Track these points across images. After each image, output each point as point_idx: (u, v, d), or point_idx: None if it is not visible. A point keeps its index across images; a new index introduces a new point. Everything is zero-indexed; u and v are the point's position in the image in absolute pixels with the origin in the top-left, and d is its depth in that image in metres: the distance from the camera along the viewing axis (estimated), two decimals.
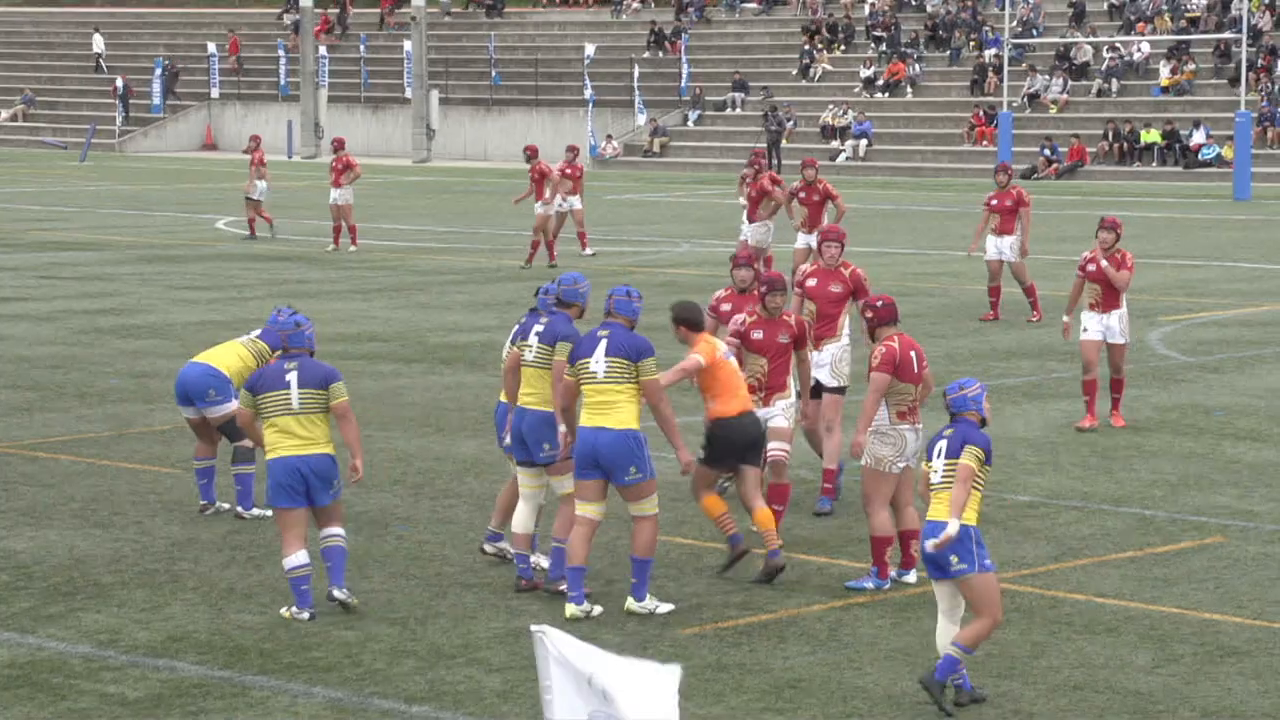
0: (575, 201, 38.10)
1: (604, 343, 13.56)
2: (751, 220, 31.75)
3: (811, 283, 17.10)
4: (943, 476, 11.74)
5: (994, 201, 29.24)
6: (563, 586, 13.79)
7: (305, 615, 13.46)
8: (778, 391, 15.31)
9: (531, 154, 38.44)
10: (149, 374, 24.23)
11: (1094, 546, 15.53)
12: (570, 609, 13.40)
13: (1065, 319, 21.03)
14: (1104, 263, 20.36)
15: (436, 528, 16.15)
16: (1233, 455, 19.11)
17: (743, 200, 33.75)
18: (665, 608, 13.52)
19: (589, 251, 38.42)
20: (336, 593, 13.63)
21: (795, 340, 15.35)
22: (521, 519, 14.23)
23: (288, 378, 13.61)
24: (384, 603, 13.93)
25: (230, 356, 16.49)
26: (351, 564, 14.96)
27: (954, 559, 11.53)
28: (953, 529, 11.52)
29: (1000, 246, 29.02)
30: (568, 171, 38.11)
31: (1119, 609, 13.73)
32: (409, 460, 18.91)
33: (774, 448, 15.20)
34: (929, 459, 11.92)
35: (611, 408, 13.42)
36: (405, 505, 16.99)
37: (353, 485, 14.40)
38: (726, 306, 16.29)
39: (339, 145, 41.39)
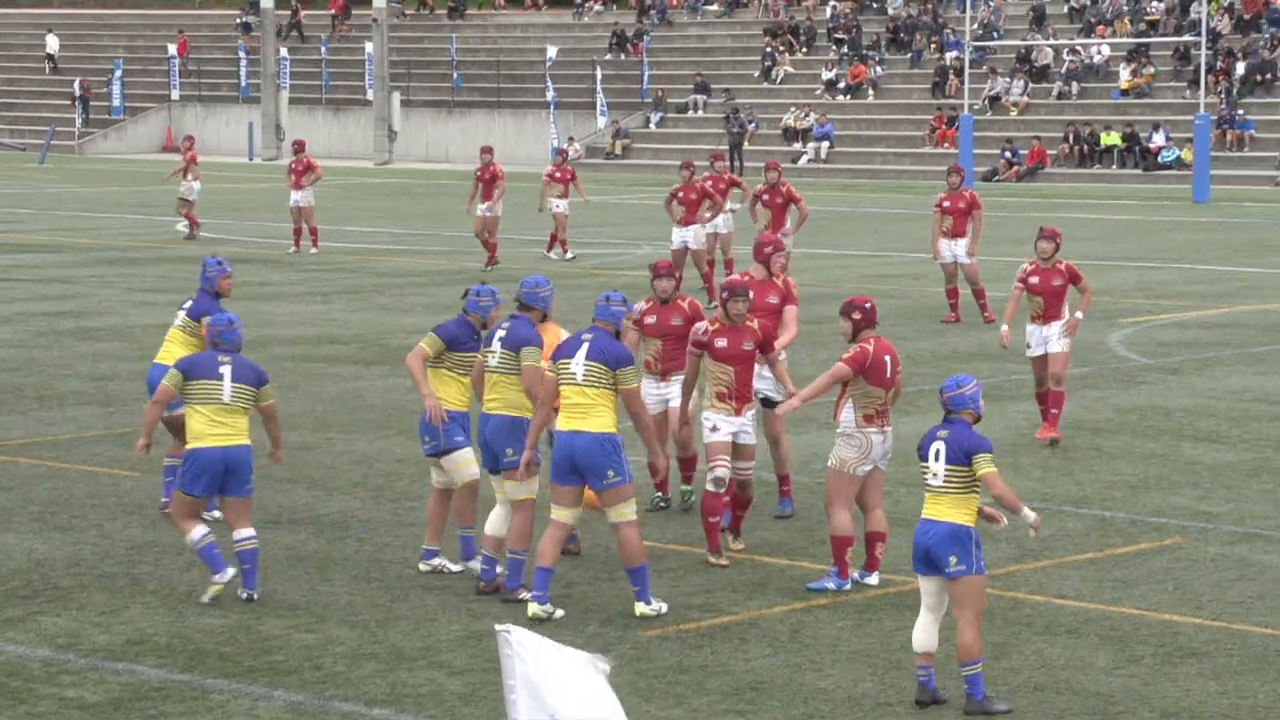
0: (563, 205, 37.78)
1: (586, 346, 13.57)
2: (688, 223, 31.62)
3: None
4: (945, 480, 11.71)
5: (946, 203, 29.26)
6: (523, 595, 13.77)
7: (227, 577, 13.90)
8: (747, 402, 14.99)
9: (489, 154, 37.91)
10: (109, 377, 24.15)
11: (1054, 548, 15.57)
12: (533, 608, 13.39)
13: (1004, 328, 19.99)
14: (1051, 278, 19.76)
15: (398, 530, 16.13)
16: (1192, 457, 19.18)
17: (728, 206, 33.69)
18: (663, 606, 13.58)
19: (569, 256, 38.05)
20: (247, 594, 14.02)
21: (760, 345, 15.13)
22: (495, 522, 14.20)
23: (221, 370, 14.10)
24: (345, 605, 13.90)
25: (180, 349, 16.40)
26: (312, 566, 14.94)
27: (953, 559, 11.57)
28: (1032, 516, 11.83)
29: (954, 249, 29.06)
30: (557, 175, 37.78)
31: (1079, 610, 13.77)
32: (370, 463, 18.88)
33: (741, 467, 15.03)
34: (923, 458, 11.87)
35: (589, 411, 13.45)
36: (366, 508, 16.96)
37: (269, 468, 15.08)
38: (651, 319, 16.12)
39: (300, 147, 41.31)
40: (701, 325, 15.26)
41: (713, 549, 14.85)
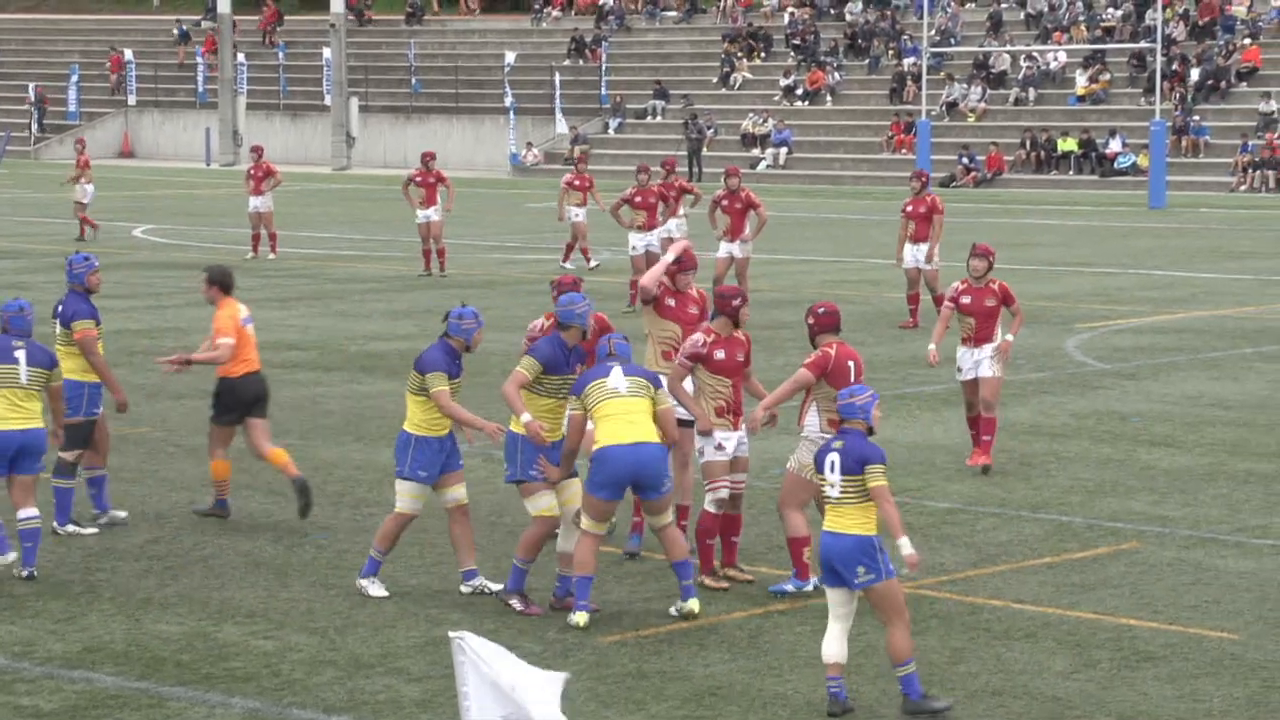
0: (582, 214, 36.82)
1: (618, 368, 13.54)
2: (650, 228, 31.51)
3: (670, 302, 15.31)
4: (841, 492, 11.69)
5: (909, 208, 29.35)
6: (514, 601, 13.75)
7: (9, 559, 14.48)
8: (741, 415, 14.62)
9: (430, 159, 37.50)
10: None
11: (1012, 552, 15.61)
12: (580, 617, 13.31)
13: (932, 347, 19.00)
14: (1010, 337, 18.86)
15: (356, 537, 16.10)
16: (1148, 461, 19.25)
17: (682, 211, 33.61)
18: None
19: (591, 264, 37.21)
20: (28, 572, 14.47)
21: (746, 357, 14.76)
22: (566, 539, 13.93)
23: (16, 354, 14.67)
24: (303, 612, 13.87)
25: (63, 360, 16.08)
26: (270, 573, 14.90)
27: (861, 570, 11.54)
28: (908, 550, 11.60)
29: (917, 254, 29.12)
30: (576, 183, 37.03)
31: (1037, 615, 13.81)
32: (329, 469, 18.84)
33: (737, 480, 14.61)
34: (820, 470, 11.86)
35: (643, 420, 13.46)
36: (325, 514, 16.92)
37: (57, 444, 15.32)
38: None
39: (259, 153, 41.21)
40: (699, 337, 14.61)
41: (707, 570, 14.58)
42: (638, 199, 31.36)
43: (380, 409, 22.19)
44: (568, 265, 37.14)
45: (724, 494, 14.44)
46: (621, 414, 13.38)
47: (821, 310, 14.31)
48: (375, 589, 14.23)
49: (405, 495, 14.24)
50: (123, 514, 16.54)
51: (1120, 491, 17.83)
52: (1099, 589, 14.50)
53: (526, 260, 40.18)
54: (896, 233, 29.57)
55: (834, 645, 11.74)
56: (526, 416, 13.66)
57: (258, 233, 40.11)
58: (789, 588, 14.21)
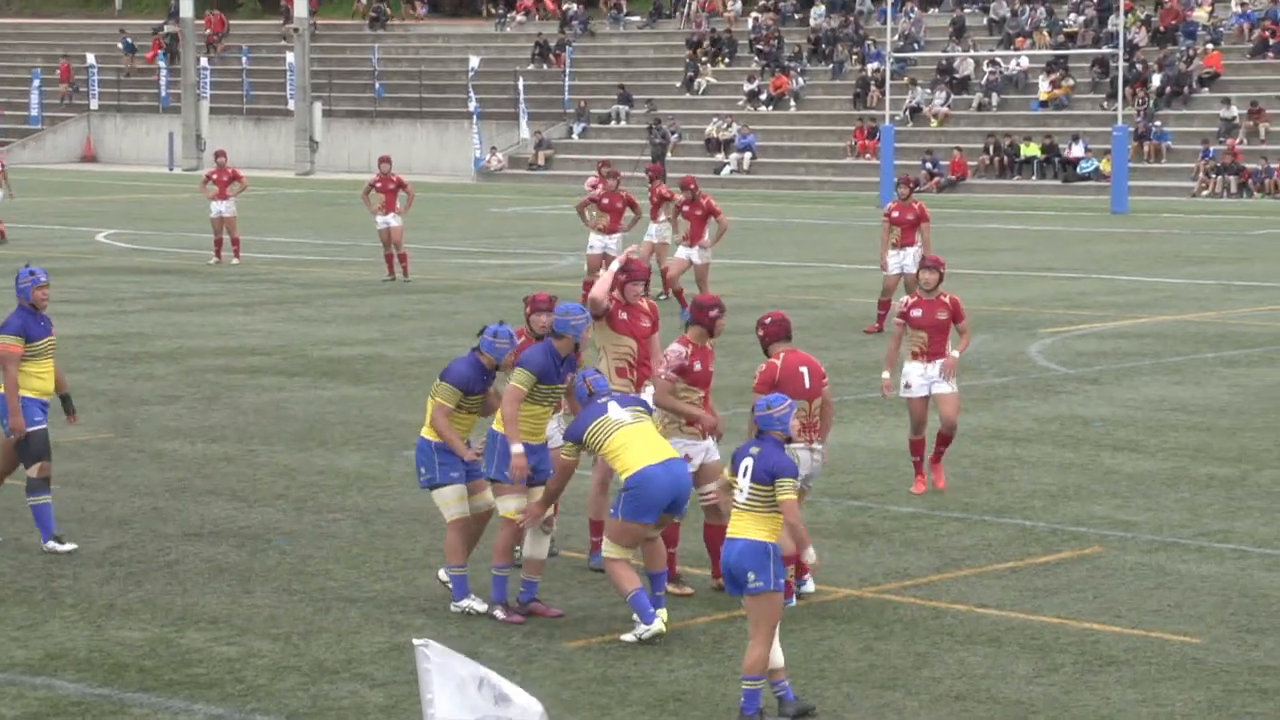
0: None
1: (613, 402, 13.53)
2: (612, 231, 31.55)
3: (622, 316, 15.00)
4: (748, 497, 11.63)
5: (895, 214, 29.29)
6: (497, 612, 13.70)
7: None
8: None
9: (387, 163, 37.28)
10: None
11: (975, 557, 15.65)
12: (660, 617, 13.22)
13: (885, 375, 18.13)
14: (955, 356, 17.98)
15: (320, 542, 16.07)
16: (1111, 466, 19.31)
17: (664, 217, 33.52)
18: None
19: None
20: None
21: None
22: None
23: None
24: (266, 618, 13.84)
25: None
26: (234, 578, 14.87)
27: (751, 575, 11.44)
28: (811, 557, 11.63)
29: (901, 260, 29.01)
30: (605, 202, 36.59)
31: (1000, 619, 13.84)
32: (291, 474, 18.81)
33: (711, 489, 14.46)
34: (734, 472, 11.83)
35: (662, 440, 13.56)
36: (288, 520, 16.89)
37: None
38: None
39: (223, 157, 41.12)
40: (680, 349, 14.45)
41: (670, 576, 14.62)
42: (605, 201, 31.43)
43: (343, 414, 22.16)
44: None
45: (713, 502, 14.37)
46: (639, 439, 13.35)
47: (769, 320, 14.35)
48: (477, 604, 13.85)
49: (449, 503, 13.99)
50: (65, 546, 15.69)
51: (1083, 496, 17.88)
52: (1062, 593, 14.54)
53: (491, 265, 40.16)
54: (877, 237, 29.52)
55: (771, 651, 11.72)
56: (517, 448, 13.56)
57: (220, 238, 40.01)
58: None
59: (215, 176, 39.99)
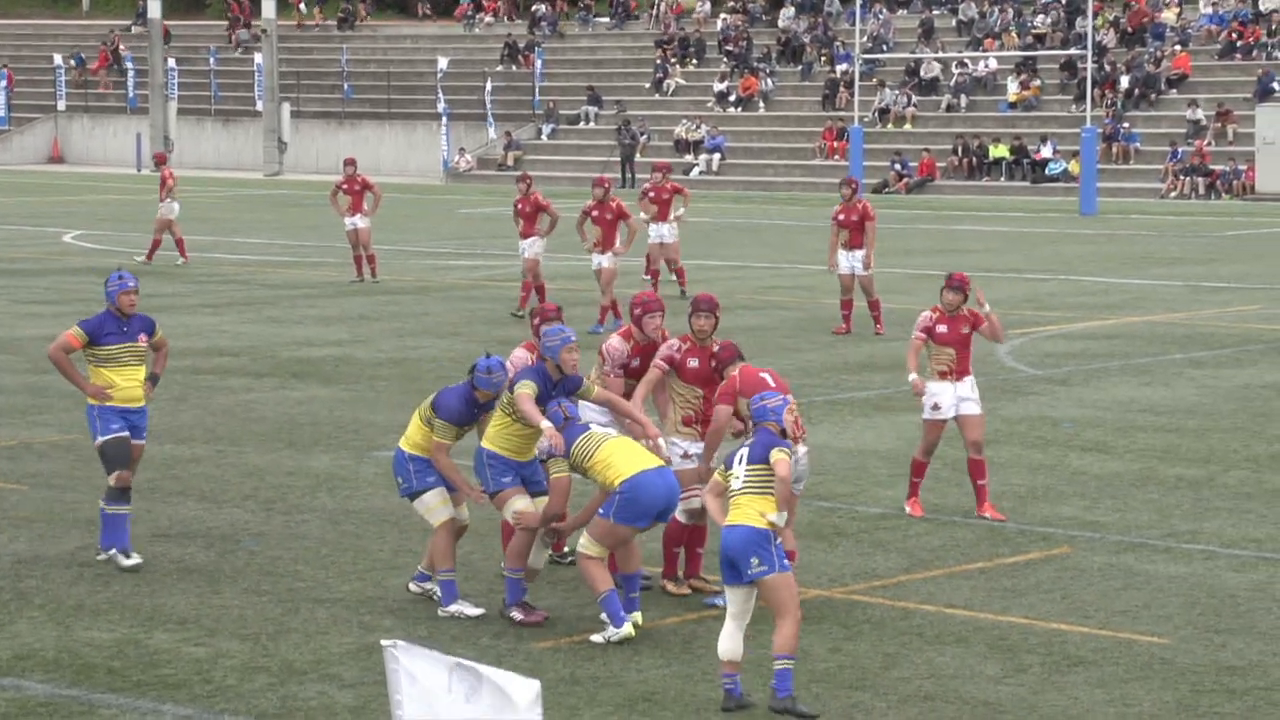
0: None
1: (592, 425, 13.72)
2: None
3: (692, 364, 14.72)
4: (744, 482, 11.77)
5: (840, 216, 29.36)
6: (514, 613, 13.66)
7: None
8: (707, 425, 14.45)
9: (352, 165, 37.11)
10: None
11: (944, 558, 15.67)
12: (633, 621, 13.23)
13: (913, 376, 17.27)
14: (988, 310, 17.17)
15: (289, 543, 16.05)
16: (1079, 467, 19.35)
17: (644, 216, 33.44)
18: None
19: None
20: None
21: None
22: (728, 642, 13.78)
23: None
24: (235, 618, 13.82)
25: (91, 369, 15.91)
26: (202, 579, 14.84)
27: (755, 561, 11.59)
28: (779, 520, 11.65)
29: (851, 261, 29.15)
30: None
31: (968, 620, 13.87)
32: (260, 475, 18.77)
33: (698, 491, 14.36)
34: (727, 467, 11.94)
35: (647, 451, 13.69)
36: (257, 520, 16.86)
37: None
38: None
39: (161, 159, 41.15)
40: (675, 343, 14.51)
41: (669, 575, 14.59)
42: (595, 213, 29.68)
43: (312, 415, 22.13)
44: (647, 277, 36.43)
45: (695, 504, 14.32)
46: (628, 448, 13.39)
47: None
48: (468, 608, 13.85)
49: (432, 508, 13.97)
50: (130, 561, 15.28)
51: (1052, 497, 17.92)
52: (1030, 594, 14.57)
53: (460, 266, 40.12)
54: (828, 239, 29.53)
55: (729, 642, 11.79)
56: (546, 424, 13.49)
57: (166, 238, 39.87)
58: (720, 603, 14.19)
59: (168, 177, 39.82)
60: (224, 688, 12.25)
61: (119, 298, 15.42)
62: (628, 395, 14.76)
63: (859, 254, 29.05)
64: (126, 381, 15.35)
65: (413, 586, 14.37)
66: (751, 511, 11.69)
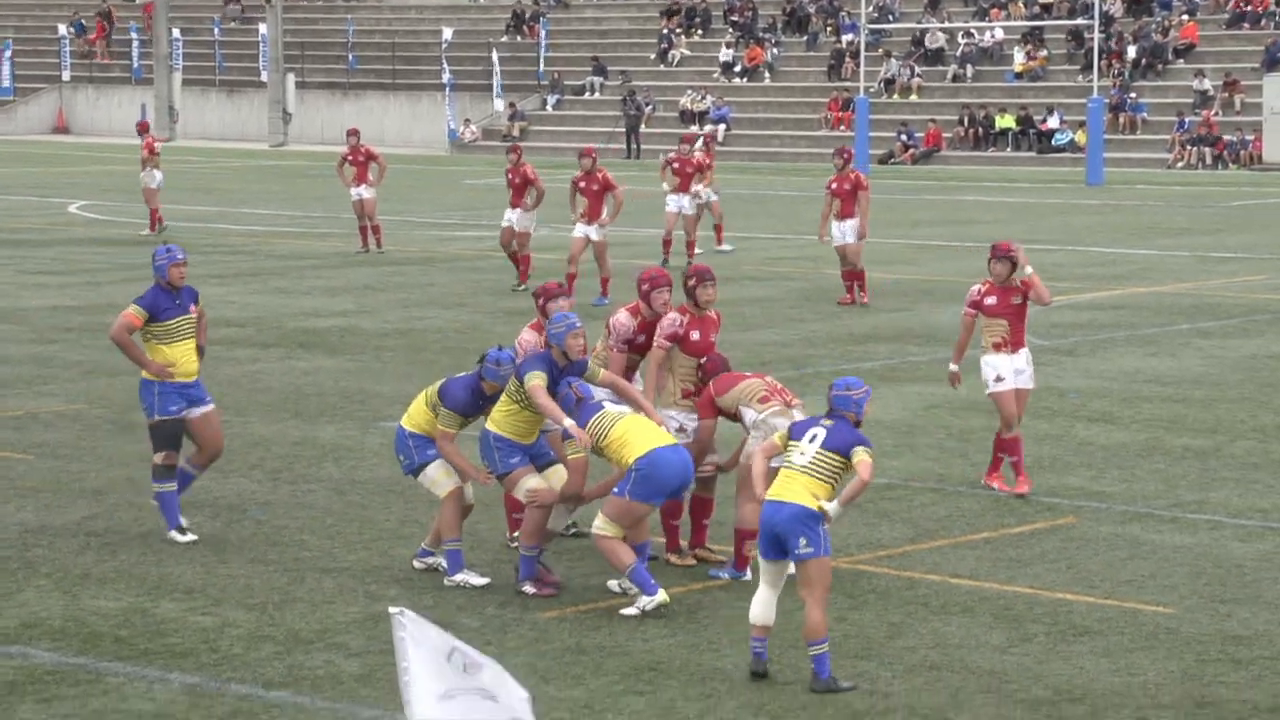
0: (711, 193, 35.63)
1: (606, 403, 13.65)
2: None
3: (694, 336, 14.73)
4: (810, 461, 11.78)
5: (833, 185, 29.29)
6: (526, 587, 13.65)
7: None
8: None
9: (355, 136, 37.09)
10: (0, 359, 23.92)
11: (950, 528, 15.68)
12: (661, 594, 13.18)
13: (953, 367, 17.29)
14: (1029, 272, 16.91)
15: (295, 512, 16.07)
16: (1085, 437, 19.35)
17: (666, 186, 33.53)
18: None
19: (725, 248, 36.30)
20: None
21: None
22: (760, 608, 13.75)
23: None
24: (241, 588, 13.84)
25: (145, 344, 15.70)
26: (209, 548, 14.86)
27: (803, 541, 11.61)
28: (834, 510, 11.66)
29: (844, 230, 29.04)
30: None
31: (974, 590, 13.88)
32: (267, 445, 18.79)
33: (709, 461, 14.55)
34: (794, 437, 11.94)
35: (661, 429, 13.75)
36: (263, 490, 16.87)
37: None
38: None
39: (143, 129, 41.19)
40: (675, 317, 14.49)
41: (672, 549, 14.59)
42: (582, 184, 29.64)
43: (318, 385, 22.14)
44: (723, 248, 36.15)
45: (702, 476, 14.36)
46: (642, 426, 13.38)
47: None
48: (473, 577, 13.86)
49: (437, 480, 14.00)
50: (186, 538, 15.11)
51: (1058, 467, 17.91)
52: (1035, 564, 14.58)
53: (465, 237, 40.10)
54: (829, 210, 29.41)
55: (761, 609, 11.81)
56: (569, 422, 13.49)
57: (155, 208, 39.96)
58: (724, 575, 14.21)
59: (150, 146, 39.87)
60: (230, 656, 12.28)
61: (169, 270, 15.20)
62: (630, 370, 14.78)
63: (850, 223, 28.92)
64: (182, 355, 15.17)
65: (417, 563, 14.38)
66: (804, 491, 11.67)
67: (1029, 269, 17.07)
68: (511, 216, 31.08)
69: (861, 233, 29.00)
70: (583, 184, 29.50)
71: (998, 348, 16.92)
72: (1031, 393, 17.27)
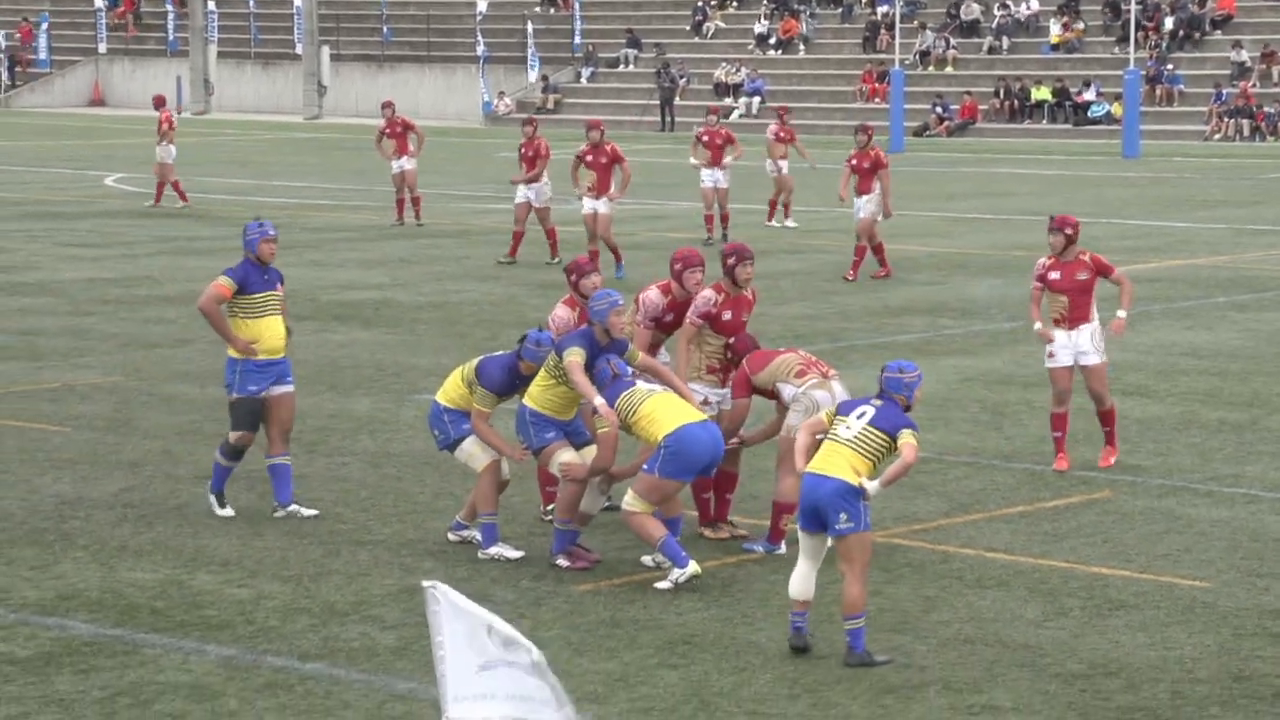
0: (785, 167, 35.90)
1: (639, 380, 13.59)
2: (601, 193, 29.88)
3: (726, 317, 14.64)
4: (855, 435, 11.77)
5: (853, 161, 29.17)
6: (560, 560, 13.68)
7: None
8: (728, 373, 14.57)
9: (389, 108, 37.10)
10: (36, 332, 24.00)
11: (984, 502, 15.66)
12: (692, 566, 13.15)
13: (1038, 326, 17.03)
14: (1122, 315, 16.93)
15: (330, 485, 16.10)
16: (1121, 411, 19.24)
17: (695, 160, 33.48)
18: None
19: (790, 223, 36.33)
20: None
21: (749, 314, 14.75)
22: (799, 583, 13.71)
23: None
24: (277, 560, 13.88)
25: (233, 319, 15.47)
26: (244, 521, 14.90)
27: (844, 516, 11.60)
28: (874, 489, 11.66)
29: (858, 205, 28.91)
30: (781, 135, 35.97)
31: (1009, 563, 13.86)
32: (302, 418, 18.76)
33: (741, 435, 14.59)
34: (842, 413, 11.94)
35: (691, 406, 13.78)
36: (298, 463, 16.87)
37: None
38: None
39: (159, 102, 41.24)
40: (709, 295, 14.46)
41: (705, 522, 14.61)
42: (589, 157, 29.39)
43: (353, 358, 22.17)
44: (772, 223, 36.18)
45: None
46: (672, 403, 13.38)
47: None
48: (507, 550, 13.88)
49: (473, 453, 14.00)
50: (309, 511, 15.10)
51: (1093, 440, 17.85)
52: (1071, 538, 14.55)
53: (500, 210, 40.08)
54: (847, 180, 29.23)
55: (801, 584, 11.81)
56: (600, 400, 13.50)
57: (162, 182, 39.95)
58: (759, 549, 14.21)
59: (165, 120, 39.90)
60: (266, 629, 12.31)
61: (260, 245, 15.07)
62: (655, 346, 14.79)
63: (864, 199, 28.77)
64: (270, 332, 15.01)
65: (451, 536, 14.41)
66: (847, 466, 11.67)
67: (1122, 314, 17.11)
68: (528, 193, 30.90)
69: (886, 211, 28.90)
70: (590, 157, 29.13)
71: (1056, 323, 16.88)
72: (1100, 369, 16.95)
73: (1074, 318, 16.79)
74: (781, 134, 36.25)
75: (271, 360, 15.00)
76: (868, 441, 11.75)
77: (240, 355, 14.94)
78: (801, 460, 11.92)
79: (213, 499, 15.13)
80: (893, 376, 12.06)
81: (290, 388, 15.19)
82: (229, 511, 15.05)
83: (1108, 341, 17.04)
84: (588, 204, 29.24)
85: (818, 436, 12.01)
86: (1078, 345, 16.84)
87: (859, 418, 11.86)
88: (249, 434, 14.98)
